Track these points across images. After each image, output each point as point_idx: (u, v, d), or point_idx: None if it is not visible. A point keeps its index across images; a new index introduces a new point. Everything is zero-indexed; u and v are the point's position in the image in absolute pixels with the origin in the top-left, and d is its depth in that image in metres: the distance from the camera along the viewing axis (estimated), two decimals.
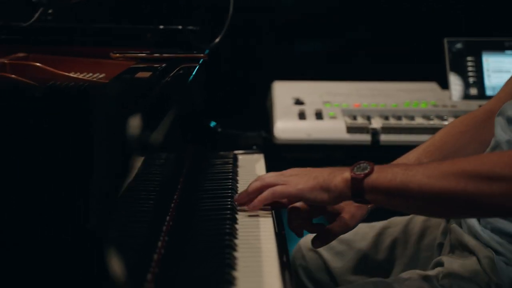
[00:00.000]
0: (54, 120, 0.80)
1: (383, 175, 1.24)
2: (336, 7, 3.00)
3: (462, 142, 1.57)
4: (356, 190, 1.27)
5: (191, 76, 1.54)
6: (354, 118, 2.36)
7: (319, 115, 2.39)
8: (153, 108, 1.12)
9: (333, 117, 2.37)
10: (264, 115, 2.65)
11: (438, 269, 1.45)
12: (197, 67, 1.65)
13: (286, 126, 2.35)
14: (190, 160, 1.82)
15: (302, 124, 2.36)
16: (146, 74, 1.33)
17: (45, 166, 0.82)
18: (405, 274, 1.50)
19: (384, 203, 1.27)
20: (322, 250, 1.75)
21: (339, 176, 1.31)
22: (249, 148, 2.00)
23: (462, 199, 1.17)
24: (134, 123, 0.96)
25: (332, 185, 1.31)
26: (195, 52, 1.78)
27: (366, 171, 1.26)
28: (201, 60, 1.77)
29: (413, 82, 2.73)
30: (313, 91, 2.61)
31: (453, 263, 1.43)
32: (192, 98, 1.99)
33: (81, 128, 0.80)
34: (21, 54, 1.87)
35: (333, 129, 2.32)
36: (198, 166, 1.80)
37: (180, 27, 1.95)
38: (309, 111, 2.42)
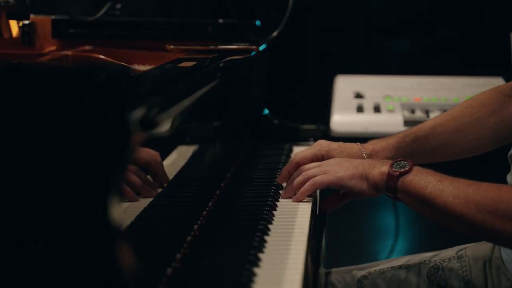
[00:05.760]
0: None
1: (417, 179, 1.27)
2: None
3: (481, 114, 1.56)
4: (390, 186, 1.30)
5: (232, 66, 1.58)
6: (412, 111, 2.36)
7: (377, 109, 2.39)
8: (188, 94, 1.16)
9: (391, 111, 2.37)
10: (326, 109, 2.67)
11: None
12: (245, 58, 1.68)
13: (343, 119, 2.36)
14: (244, 150, 1.87)
15: (359, 117, 2.37)
16: (190, 64, 1.38)
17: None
18: None
19: (411, 205, 1.30)
20: None
21: (378, 168, 1.33)
22: (306, 141, 2.03)
23: (478, 229, 1.21)
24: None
25: (370, 175, 1.34)
26: (248, 44, 1.82)
27: (403, 170, 1.29)
28: (253, 52, 1.81)
29: (478, 77, 2.69)
30: (375, 85, 2.62)
31: None
32: (249, 89, 2.03)
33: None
34: (87, 47, 1.96)
35: (390, 122, 2.33)
36: (250, 156, 1.85)
37: (237, 21, 1.99)
38: (368, 104, 2.43)
